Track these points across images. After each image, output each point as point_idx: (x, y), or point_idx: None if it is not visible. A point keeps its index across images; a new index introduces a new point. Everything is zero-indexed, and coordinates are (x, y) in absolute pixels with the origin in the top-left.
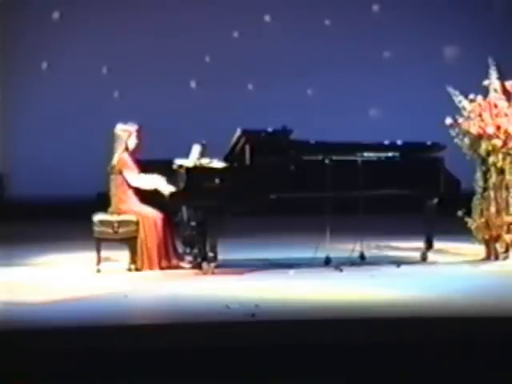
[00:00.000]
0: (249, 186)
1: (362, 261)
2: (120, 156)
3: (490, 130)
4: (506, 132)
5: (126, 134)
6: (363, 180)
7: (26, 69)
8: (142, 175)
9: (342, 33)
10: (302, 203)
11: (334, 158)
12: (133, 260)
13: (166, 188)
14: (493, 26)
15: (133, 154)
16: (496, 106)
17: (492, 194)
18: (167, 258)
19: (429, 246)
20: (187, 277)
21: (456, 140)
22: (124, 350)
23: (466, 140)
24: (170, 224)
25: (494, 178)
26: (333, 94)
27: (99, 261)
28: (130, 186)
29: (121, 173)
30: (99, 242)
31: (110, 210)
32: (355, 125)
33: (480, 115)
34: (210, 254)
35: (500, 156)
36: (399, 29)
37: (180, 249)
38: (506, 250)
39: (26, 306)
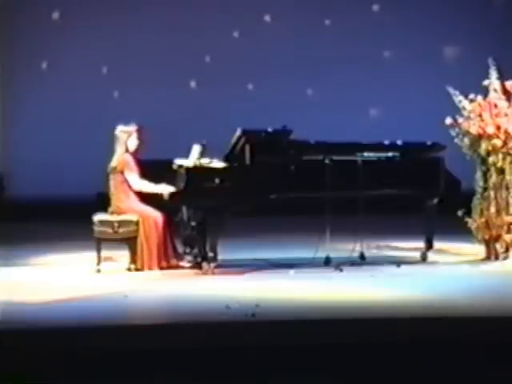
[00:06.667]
0: (249, 186)
1: (362, 261)
2: (122, 156)
3: (490, 130)
4: (506, 132)
5: (126, 134)
6: (363, 180)
7: (26, 69)
8: (144, 181)
9: (342, 33)
10: (302, 203)
11: (334, 158)
12: (133, 260)
13: (167, 190)
14: (493, 26)
15: (134, 154)
16: (496, 105)
17: (492, 194)
18: (167, 258)
19: (429, 246)
20: (187, 277)
21: (456, 140)
22: (124, 350)
23: (466, 140)
24: (170, 224)
25: (494, 178)
26: (333, 93)
27: (99, 261)
28: (130, 186)
29: (122, 173)
30: (99, 242)
31: (110, 209)
32: (355, 125)
33: (480, 115)
34: (210, 254)
35: (500, 156)
36: (399, 29)
37: (180, 249)
38: (506, 250)
39: (25, 306)
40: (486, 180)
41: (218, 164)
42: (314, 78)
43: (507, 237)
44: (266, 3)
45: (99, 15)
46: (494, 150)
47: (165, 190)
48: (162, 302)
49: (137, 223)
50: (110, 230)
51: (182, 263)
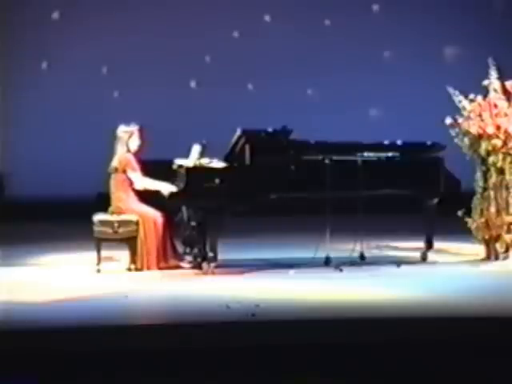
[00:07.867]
0: (249, 186)
1: (361, 261)
2: (124, 156)
3: (490, 130)
4: (505, 132)
5: (127, 135)
6: (363, 180)
7: (26, 69)
8: (147, 178)
9: (342, 33)
10: (302, 203)
11: (334, 157)
12: (133, 260)
13: (169, 189)
14: (493, 26)
15: (135, 154)
16: (496, 105)
17: (492, 194)
18: (167, 258)
19: (429, 246)
20: (187, 277)
21: (456, 140)
22: (124, 350)
23: (466, 140)
24: (170, 224)
25: (494, 178)
26: (333, 94)
27: (99, 261)
28: (130, 186)
29: (124, 172)
30: (99, 242)
31: (110, 209)
32: (355, 125)
33: (480, 115)
34: (210, 254)
35: (500, 156)
36: (399, 29)
37: (180, 249)
38: (506, 250)
39: (26, 306)
40: (486, 180)
41: (218, 164)
42: (314, 78)
43: (507, 237)
44: (266, 3)
45: (99, 15)
46: (494, 150)
47: (167, 187)
48: (161, 302)
49: (137, 223)
50: (109, 230)
51: (181, 263)
